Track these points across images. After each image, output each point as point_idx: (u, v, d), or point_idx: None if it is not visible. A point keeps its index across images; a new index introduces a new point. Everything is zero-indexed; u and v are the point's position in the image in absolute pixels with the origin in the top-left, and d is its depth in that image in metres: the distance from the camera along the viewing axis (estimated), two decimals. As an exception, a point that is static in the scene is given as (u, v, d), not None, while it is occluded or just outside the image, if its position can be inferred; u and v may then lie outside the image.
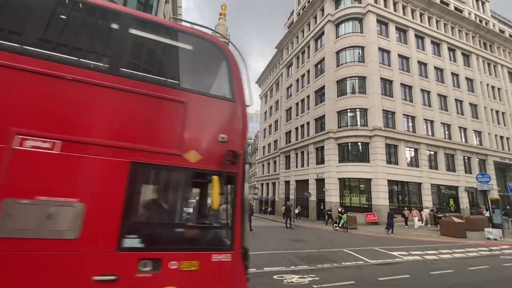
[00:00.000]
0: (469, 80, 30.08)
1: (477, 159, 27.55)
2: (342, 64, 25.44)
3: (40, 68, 2.39)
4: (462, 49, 30.50)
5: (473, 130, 28.25)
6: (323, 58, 27.17)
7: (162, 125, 2.78)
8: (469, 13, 33.15)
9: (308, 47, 31.14)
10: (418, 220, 19.46)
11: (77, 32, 2.84)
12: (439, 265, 8.22)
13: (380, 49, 25.08)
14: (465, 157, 26.90)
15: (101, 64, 2.77)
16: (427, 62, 27.58)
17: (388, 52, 25.66)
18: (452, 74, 28.94)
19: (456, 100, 28.18)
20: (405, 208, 20.95)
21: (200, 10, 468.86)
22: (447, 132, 26.74)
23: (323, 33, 28.33)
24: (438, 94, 27.13)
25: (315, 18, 30.46)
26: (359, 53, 25.23)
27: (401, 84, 25.31)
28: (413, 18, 28.13)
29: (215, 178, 2.65)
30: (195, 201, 3.80)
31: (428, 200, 23.22)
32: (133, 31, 2.91)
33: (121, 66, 2.73)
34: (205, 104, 2.97)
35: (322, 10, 29.14)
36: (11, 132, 2.21)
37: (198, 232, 2.89)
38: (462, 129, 27.60)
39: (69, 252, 2.25)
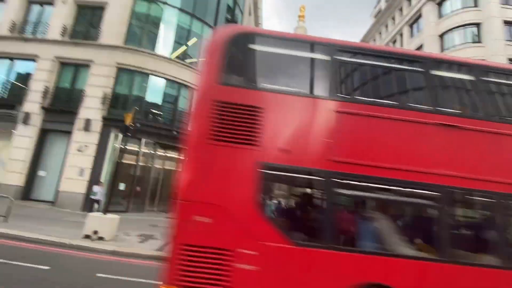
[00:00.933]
0: None
1: None
2: (448, 49, 21.14)
3: None
4: None
5: None
6: (421, 45, 23.24)
7: None
8: None
9: (401, 34, 27.33)
10: None
11: None
12: None
13: (505, 22, 19.62)
14: None
15: None
16: None
17: (517, 25, 19.81)
18: None
19: None
20: None
21: (279, 16, 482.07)
22: None
23: (420, 16, 24.32)
24: None
25: (409, 0, 26.50)
26: (473, 32, 20.43)
27: (543, 63, 19.04)
28: (560, -26, 20.82)
29: None
30: None
31: None
32: None
33: None
34: None
35: (419, -11, 25.08)
36: None
37: None
38: None
39: None
